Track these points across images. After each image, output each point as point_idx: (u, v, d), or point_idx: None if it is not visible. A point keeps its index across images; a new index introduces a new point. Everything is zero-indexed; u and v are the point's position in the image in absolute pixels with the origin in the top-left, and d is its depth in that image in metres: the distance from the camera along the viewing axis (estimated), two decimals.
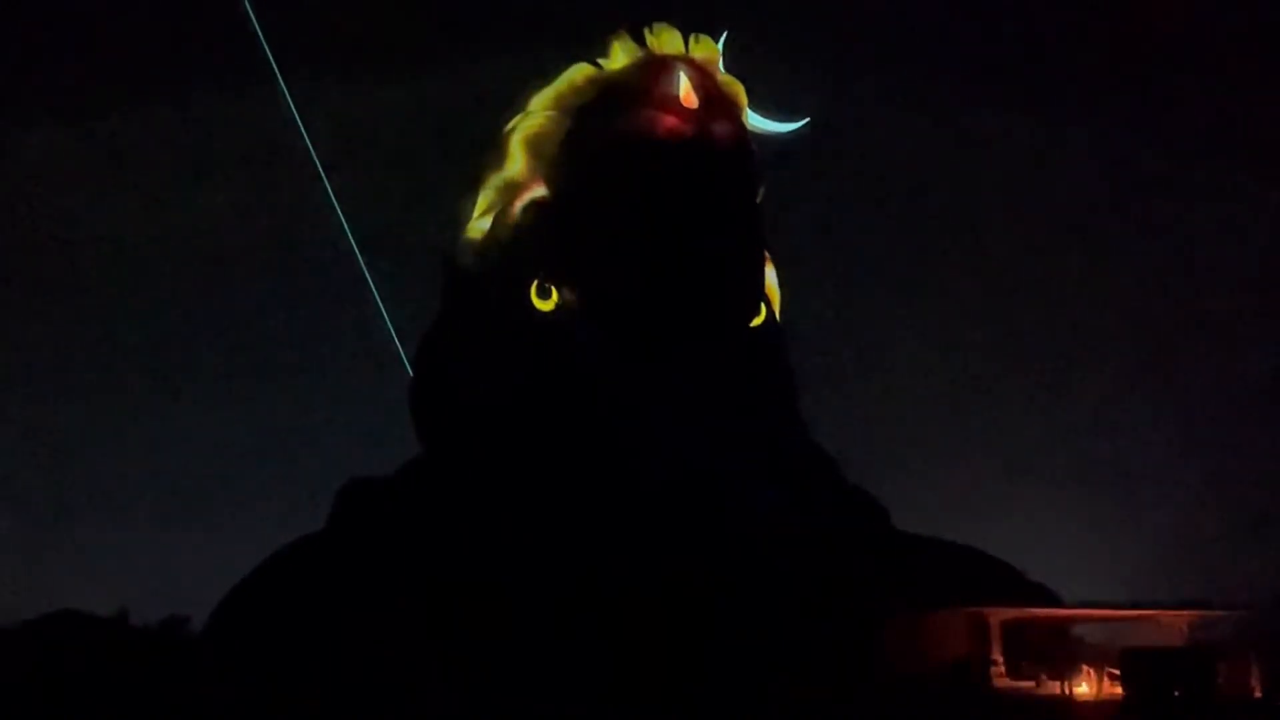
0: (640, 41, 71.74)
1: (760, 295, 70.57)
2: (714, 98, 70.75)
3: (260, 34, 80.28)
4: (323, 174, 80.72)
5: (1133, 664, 53.31)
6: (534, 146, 69.81)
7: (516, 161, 70.06)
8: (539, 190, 68.51)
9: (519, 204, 68.67)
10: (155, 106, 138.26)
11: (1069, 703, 52.02)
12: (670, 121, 69.00)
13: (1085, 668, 59.97)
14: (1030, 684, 56.61)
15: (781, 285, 74.39)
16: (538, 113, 71.26)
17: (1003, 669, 59.97)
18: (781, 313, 73.57)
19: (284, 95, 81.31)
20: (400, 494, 69.18)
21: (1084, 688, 55.63)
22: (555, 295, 66.53)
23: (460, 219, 73.10)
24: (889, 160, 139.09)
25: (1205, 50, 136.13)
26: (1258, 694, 52.78)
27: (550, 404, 64.37)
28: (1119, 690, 52.81)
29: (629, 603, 56.08)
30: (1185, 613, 63.07)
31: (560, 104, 71.20)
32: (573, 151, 68.46)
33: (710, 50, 71.50)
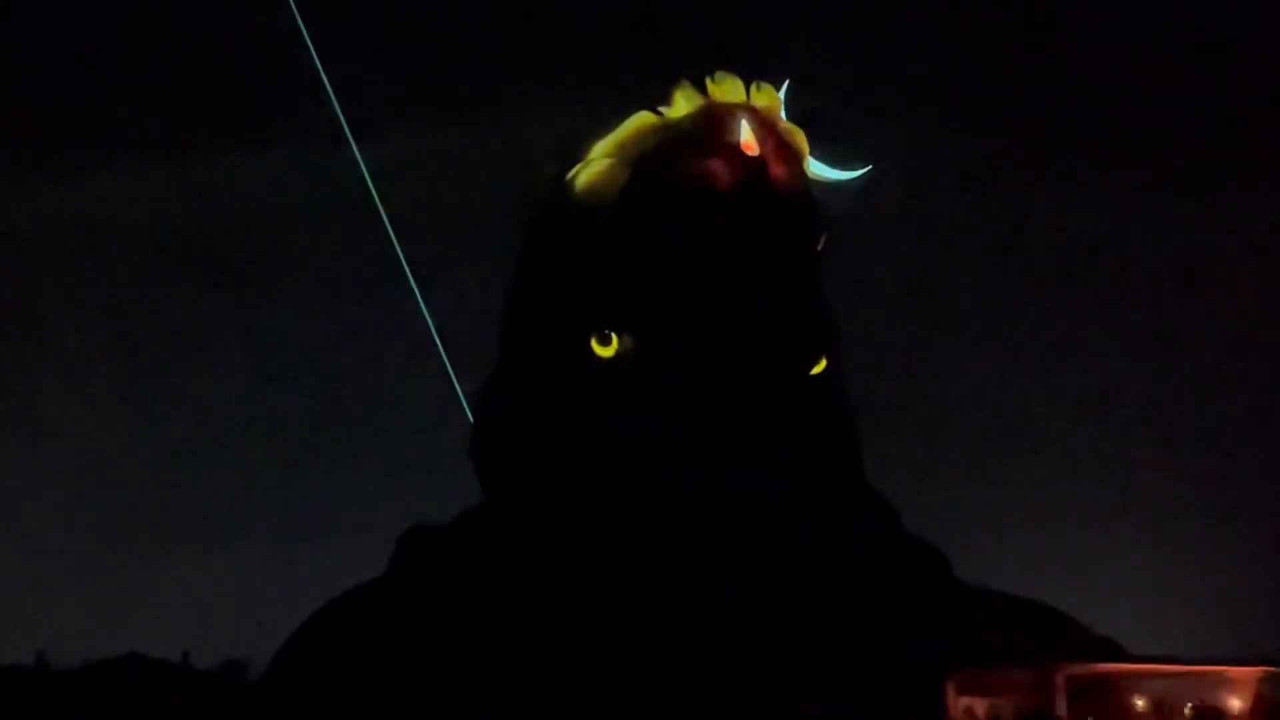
0: (702, 89, 70.39)
1: (821, 344, 68.43)
2: (776, 145, 68.74)
3: (327, 84, 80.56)
4: (385, 218, 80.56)
5: None
6: (594, 194, 68.21)
7: (577, 209, 68.73)
8: (599, 237, 67.19)
9: (578, 251, 67.33)
10: (216, 157, 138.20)
11: None
12: (730, 168, 67.06)
13: None
14: None
15: (845, 333, 72.47)
16: (598, 160, 69.53)
17: None
18: (844, 361, 71.54)
19: (351, 147, 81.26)
20: (461, 541, 67.54)
21: None
22: (615, 342, 64.63)
23: (519, 265, 72.01)
24: (955, 211, 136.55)
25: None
26: None
27: (610, 451, 62.39)
28: None
29: (691, 658, 54.01)
30: (1259, 669, 60.22)
31: (621, 152, 69.45)
32: (633, 199, 66.83)
33: (772, 98, 69.48)
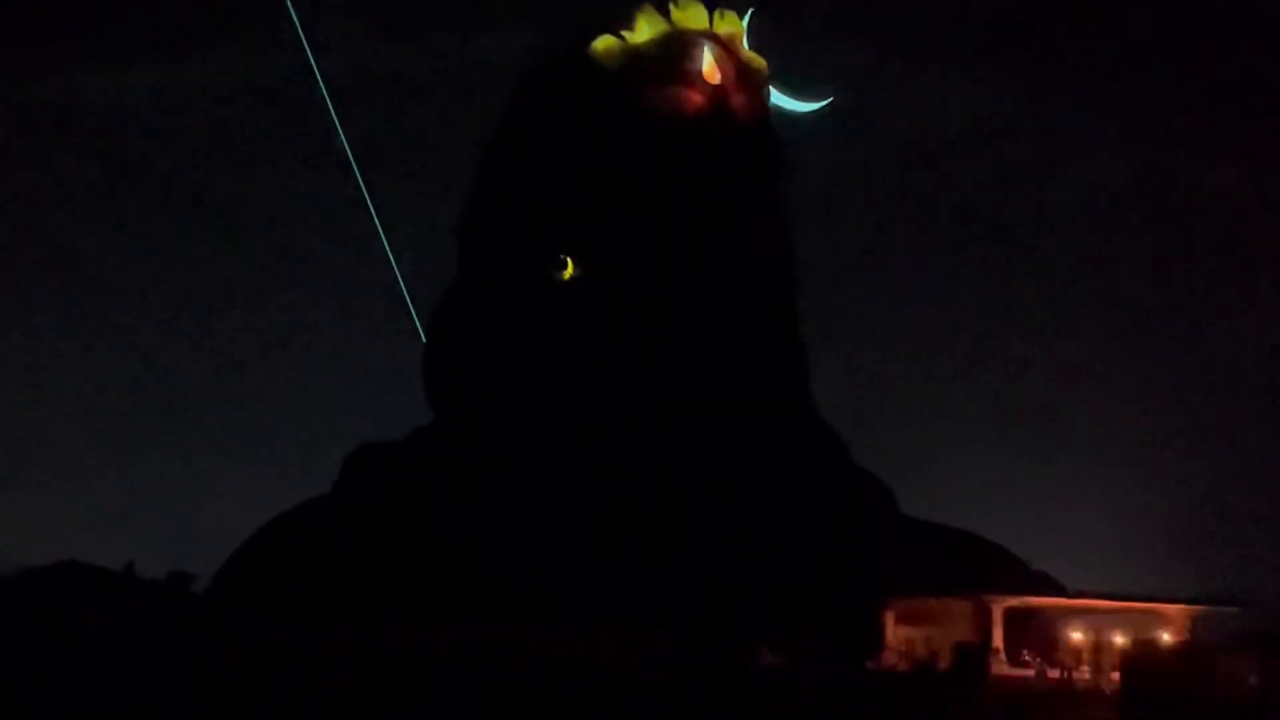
0: (665, 15, 71.55)
1: (777, 272, 70.43)
2: (737, 74, 70.55)
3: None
4: (343, 137, 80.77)
5: (1133, 656, 53.26)
6: (555, 119, 69.66)
7: (539, 132, 69.91)
8: (560, 161, 68.40)
9: (539, 174, 68.60)
10: (176, 63, 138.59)
11: (1068, 692, 52.02)
12: (692, 97, 68.81)
13: (1086, 658, 59.91)
14: (1030, 672, 56.64)
15: (801, 264, 74.22)
16: (562, 84, 71.02)
17: (1003, 656, 59.97)
18: (799, 291, 73.44)
19: (312, 67, 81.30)
20: (409, 460, 69.42)
21: (1084, 678, 55.64)
22: (570, 266, 66.52)
23: (480, 186, 73.04)
24: (909, 141, 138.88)
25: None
26: (1257, 691, 52.62)
27: (561, 372, 64.44)
28: (1118, 682, 52.78)
29: (634, 586, 56.02)
30: (1187, 607, 63.04)
31: (584, 76, 70.96)
32: (595, 124, 68.32)
33: (735, 26, 71.21)
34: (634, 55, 70.05)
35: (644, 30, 70.78)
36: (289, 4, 78.70)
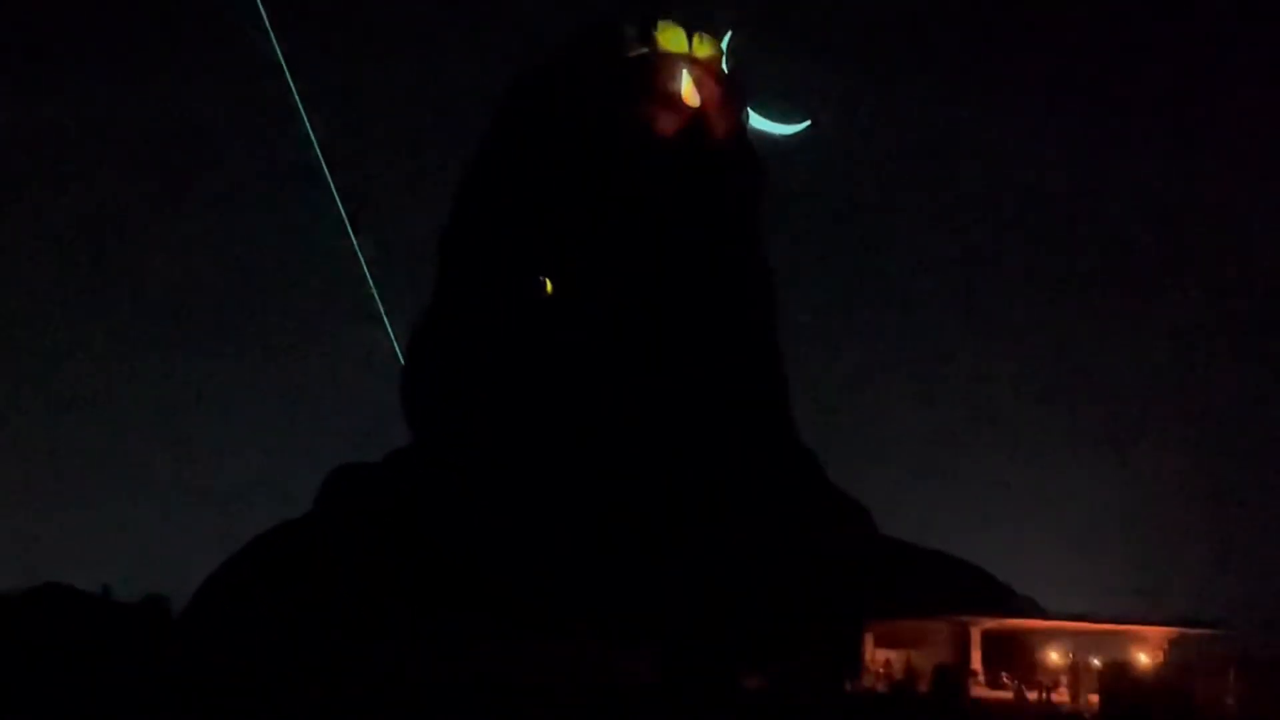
0: (644, 38, 71.94)
1: (754, 293, 70.58)
2: (715, 97, 70.87)
3: (264, 13, 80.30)
4: (320, 157, 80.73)
5: (1111, 678, 53.32)
6: (535, 138, 69.84)
7: (518, 152, 70.05)
8: (540, 181, 68.54)
9: (519, 193, 68.70)
10: (152, 86, 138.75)
11: (1047, 714, 52.00)
12: (671, 119, 69.14)
13: (1064, 680, 59.97)
14: (1008, 695, 56.56)
15: (778, 285, 74.43)
16: (541, 107, 71.23)
17: (982, 678, 59.91)
18: (776, 313, 73.57)
19: (288, 82, 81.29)
20: (388, 481, 69.25)
21: (1062, 700, 55.61)
22: (549, 285, 66.68)
23: (456, 206, 73.14)
24: (888, 163, 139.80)
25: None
26: (1234, 713, 52.74)
27: (539, 391, 64.47)
28: (1097, 704, 52.79)
29: (618, 601, 55.86)
30: (1165, 629, 63.12)
31: (564, 99, 71.17)
32: (573, 144, 68.53)
33: (714, 49, 71.62)
34: (615, 75, 70.37)
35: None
36: (264, 19, 78.81)
